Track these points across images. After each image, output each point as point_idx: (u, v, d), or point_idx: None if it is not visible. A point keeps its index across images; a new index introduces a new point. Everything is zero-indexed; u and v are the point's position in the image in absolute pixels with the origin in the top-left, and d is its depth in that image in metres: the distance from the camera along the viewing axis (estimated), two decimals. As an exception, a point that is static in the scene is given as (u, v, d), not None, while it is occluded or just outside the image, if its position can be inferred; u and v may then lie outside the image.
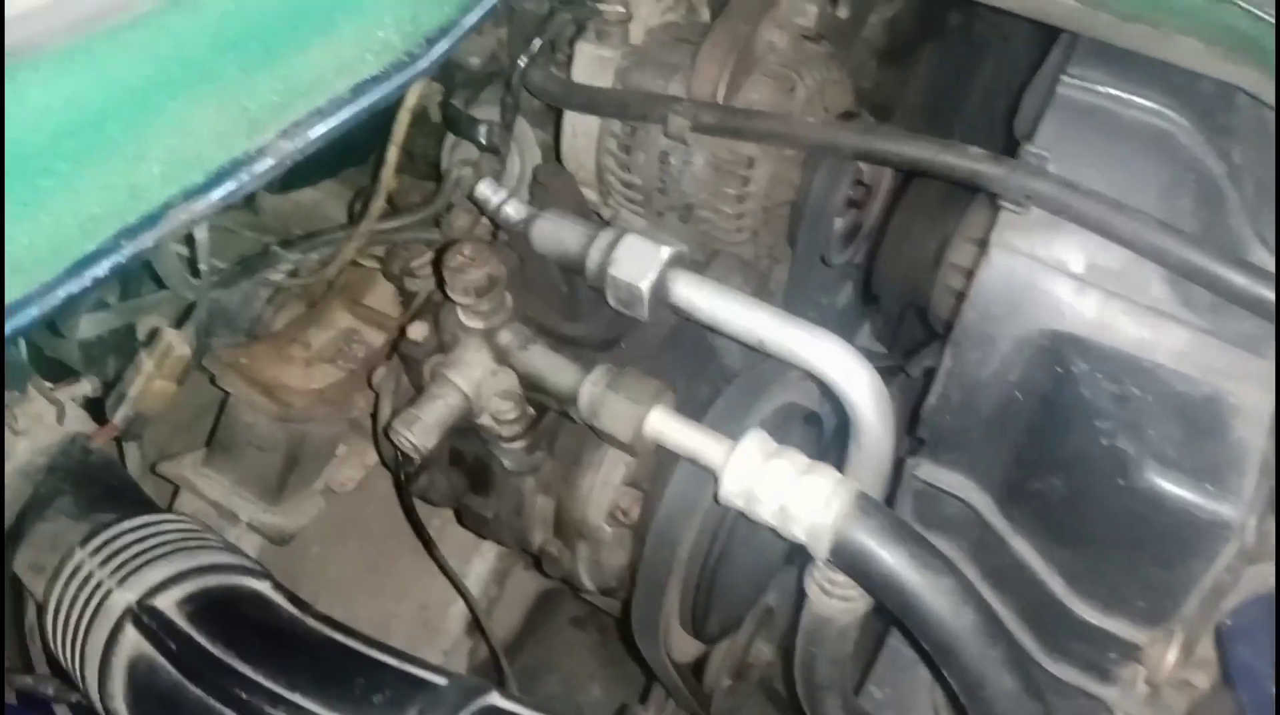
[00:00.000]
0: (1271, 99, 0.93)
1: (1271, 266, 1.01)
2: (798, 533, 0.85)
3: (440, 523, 1.38)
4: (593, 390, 0.94)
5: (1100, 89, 1.00)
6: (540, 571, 1.10)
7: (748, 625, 1.30)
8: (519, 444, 1.01)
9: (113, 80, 0.73)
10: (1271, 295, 0.88)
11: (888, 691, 1.26)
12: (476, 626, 1.29)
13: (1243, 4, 0.90)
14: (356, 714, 0.77)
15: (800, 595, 1.04)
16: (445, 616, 1.52)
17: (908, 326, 1.72)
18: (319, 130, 0.84)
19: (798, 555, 1.02)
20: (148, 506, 1.11)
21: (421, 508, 1.25)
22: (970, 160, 0.97)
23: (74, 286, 0.70)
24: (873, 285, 1.42)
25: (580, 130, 1.24)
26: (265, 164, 0.80)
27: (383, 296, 1.48)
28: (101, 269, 0.72)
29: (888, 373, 1.44)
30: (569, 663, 1.86)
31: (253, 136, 0.80)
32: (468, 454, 1.08)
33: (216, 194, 0.78)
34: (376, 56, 0.87)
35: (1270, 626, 0.76)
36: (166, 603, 0.92)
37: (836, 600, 0.99)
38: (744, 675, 1.33)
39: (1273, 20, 0.89)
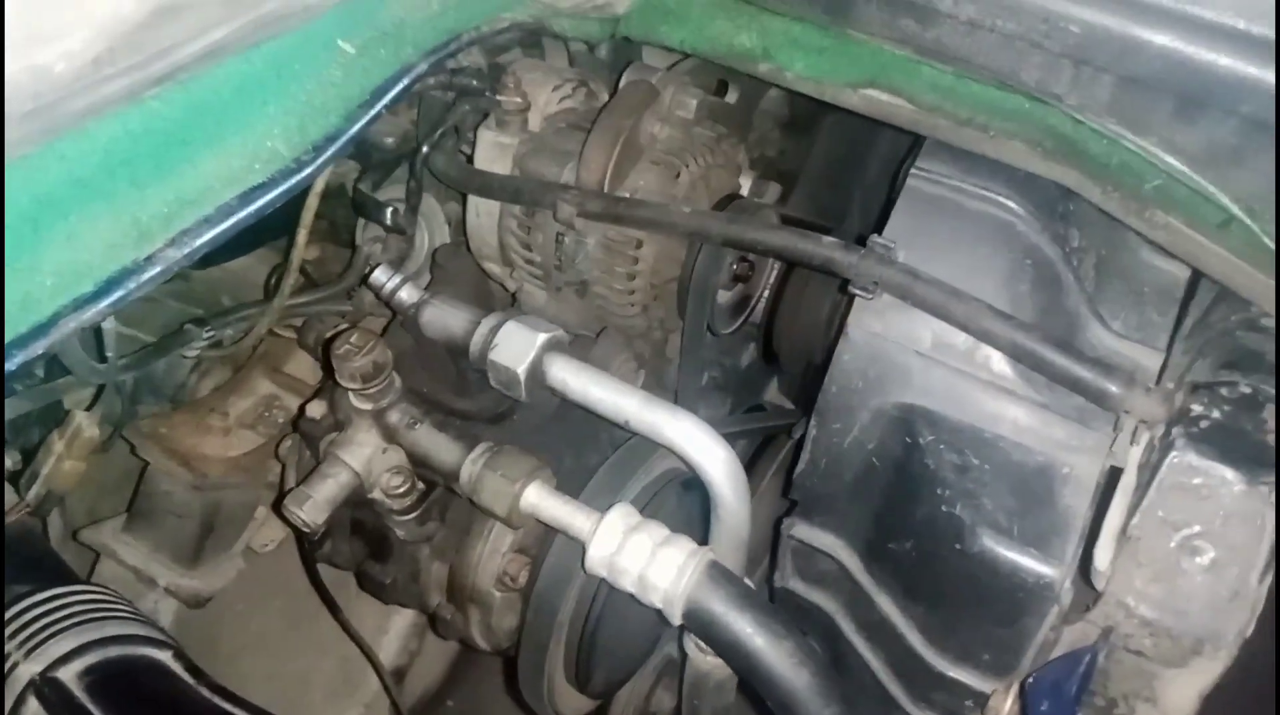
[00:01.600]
0: (1093, 197, 1.01)
1: (1108, 343, 1.10)
2: (655, 600, 0.92)
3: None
4: (472, 469, 1.01)
5: (946, 180, 1.09)
6: (436, 633, 1.16)
7: (648, 676, 1.36)
8: (411, 516, 1.08)
9: (7, 202, 0.79)
10: (1090, 376, 0.96)
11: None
12: (384, 689, 1.35)
13: (1064, 108, 0.98)
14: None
15: (683, 654, 1.11)
16: (366, 671, 1.57)
17: (813, 381, 1.81)
18: (206, 237, 0.90)
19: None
20: (64, 577, 1.16)
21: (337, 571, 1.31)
22: (825, 249, 1.05)
23: (-36, 393, 0.76)
24: (773, 346, 1.50)
25: (483, 211, 1.31)
26: (153, 271, 0.87)
27: (303, 364, 1.54)
28: (-9, 377, 0.78)
29: (783, 432, 1.53)
30: (498, 712, 1.92)
31: (141, 246, 0.87)
32: (367, 524, 1.14)
33: (105, 302, 0.84)
34: (264, 165, 0.94)
35: (1071, 682, 0.83)
36: (69, 674, 0.97)
37: (710, 657, 1.06)
38: (647, 725, 1.40)
39: (1091, 124, 0.98)
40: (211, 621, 1.53)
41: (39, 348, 0.81)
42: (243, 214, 0.92)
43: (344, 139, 0.99)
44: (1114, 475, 0.97)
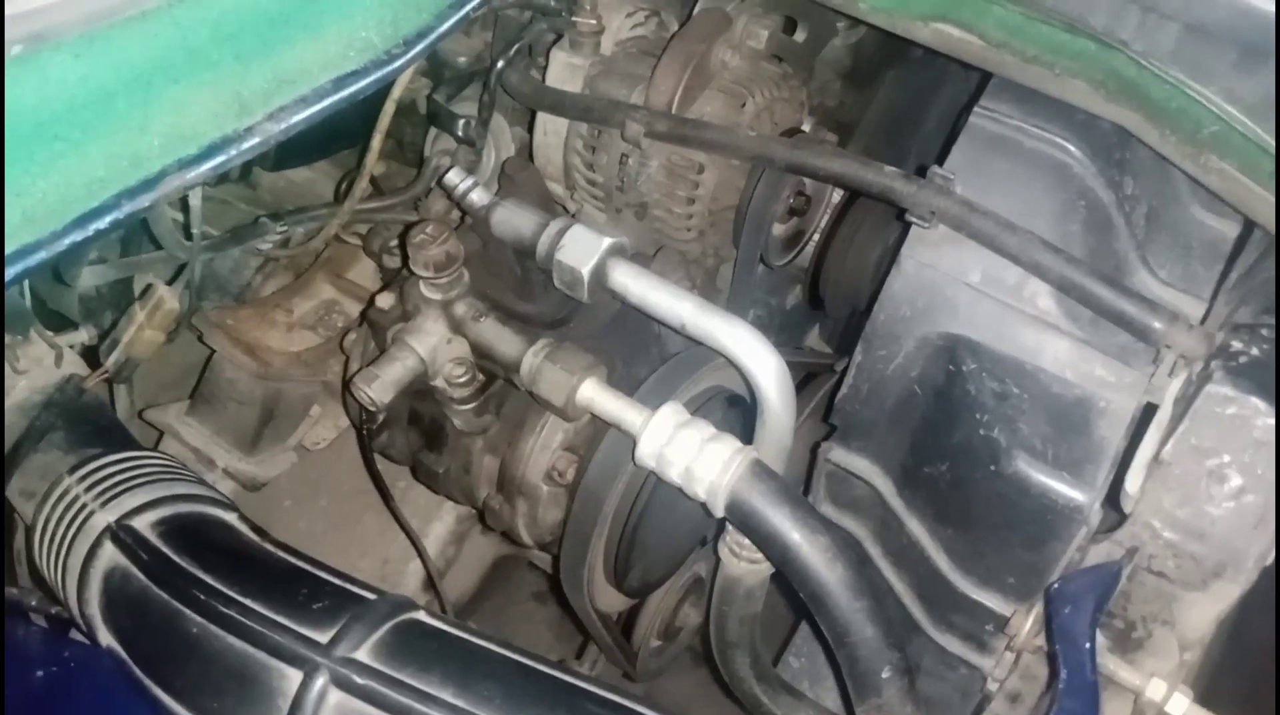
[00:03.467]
0: (1150, 140, 1.04)
1: (1153, 289, 1.13)
2: (699, 491, 0.96)
3: (405, 485, 1.50)
4: (533, 360, 1.06)
5: (1007, 120, 1.12)
6: (483, 524, 1.21)
7: (677, 590, 1.41)
8: (469, 406, 1.13)
9: (123, 63, 0.84)
10: (1135, 311, 0.99)
11: (803, 662, 1.37)
12: (430, 584, 1.40)
13: (1130, 52, 1.01)
14: (296, 615, 0.88)
15: (716, 559, 1.16)
16: (404, 573, 1.63)
17: (854, 329, 1.84)
18: (302, 115, 0.95)
19: (718, 525, 1.14)
20: (133, 444, 1.22)
21: (388, 470, 1.37)
22: (885, 178, 1.08)
23: (77, 236, 0.82)
24: (819, 289, 1.54)
25: (550, 130, 1.36)
26: (252, 142, 0.92)
27: (364, 272, 1.59)
28: (103, 223, 0.83)
29: (824, 372, 1.57)
30: (524, 631, 1.98)
31: (242, 118, 0.92)
32: (424, 415, 1.20)
33: (207, 165, 0.89)
34: (358, 54, 0.99)
35: (1093, 593, 0.87)
36: (142, 523, 1.03)
37: (744, 562, 1.11)
38: (672, 637, 1.45)
39: (1154, 69, 1.01)
40: (261, 515, 1.58)
41: (146, 201, 0.86)
42: (336, 97, 0.97)
43: (433, 36, 1.03)
44: (1149, 411, 1.01)
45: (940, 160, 1.13)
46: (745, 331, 1.00)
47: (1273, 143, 0.94)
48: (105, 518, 1.05)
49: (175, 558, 0.96)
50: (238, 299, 1.60)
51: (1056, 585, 0.90)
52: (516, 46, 1.31)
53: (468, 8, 1.05)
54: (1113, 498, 0.97)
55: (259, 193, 1.73)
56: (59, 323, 1.37)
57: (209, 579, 0.91)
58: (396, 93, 1.28)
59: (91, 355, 1.33)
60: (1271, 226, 0.98)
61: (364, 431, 1.20)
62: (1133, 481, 0.93)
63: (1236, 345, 0.93)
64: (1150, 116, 1.01)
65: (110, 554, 1.01)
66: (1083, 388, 1.05)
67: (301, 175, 1.78)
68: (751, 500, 0.94)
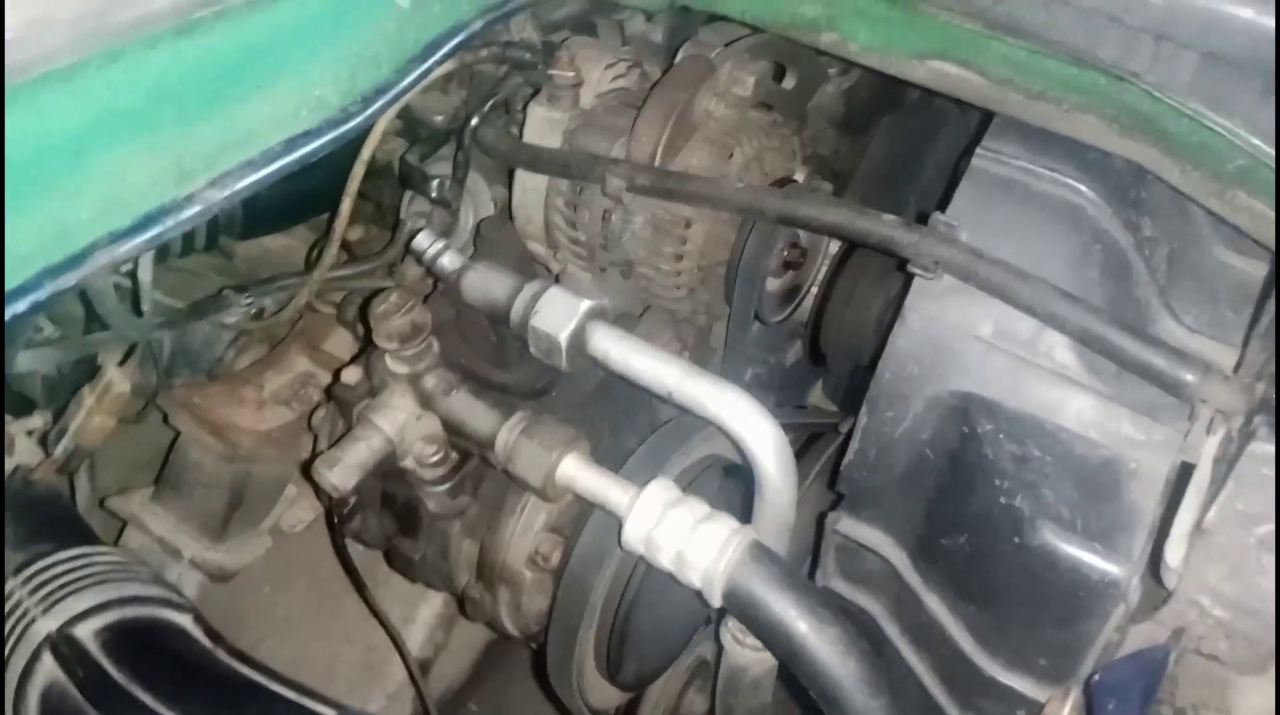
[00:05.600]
0: (1170, 177, 0.96)
1: (1180, 338, 1.04)
2: (693, 579, 0.87)
3: (387, 569, 1.41)
4: (508, 436, 0.97)
5: (1013, 161, 1.04)
6: (464, 614, 1.12)
7: (680, 676, 1.31)
8: (443, 487, 1.04)
9: (49, 127, 0.77)
10: (1164, 363, 0.91)
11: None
12: (410, 678, 1.31)
13: (1143, 85, 0.94)
14: (240, 741, 0.79)
15: (719, 646, 1.06)
16: (390, 661, 1.54)
17: (858, 384, 1.76)
18: (249, 180, 0.88)
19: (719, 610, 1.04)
20: (86, 538, 1.13)
21: (369, 553, 1.28)
22: (884, 227, 1.01)
23: (-11, 320, 0.74)
24: (820, 345, 1.46)
25: (529, 187, 1.29)
26: (192, 211, 0.84)
27: (342, 343, 1.52)
28: (22, 305, 0.75)
29: (829, 431, 1.48)
30: (528, 713, 1.87)
31: (182, 184, 0.85)
32: (398, 497, 1.11)
33: (142, 237, 0.82)
34: (312, 112, 0.92)
35: (1139, 684, 0.78)
36: (85, 631, 0.94)
37: (749, 650, 1.01)
38: (676, 727, 1.34)
39: (1170, 102, 0.93)
40: (237, 603, 1.50)
41: (70, 279, 0.78)
42: (287, 159, 0.90)
43: (394, 92, 0.97)
44: (1185, 472, 0.92)
45: (943, 206, 1.06)
46: (738, 397, 0.92)
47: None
48: (47, 625, 0.97)
49: (115, 675, 0.87)
50: (210, 374, 1.52)
51: (1099, 676, 0.81)
52: (491, 102, 1.25)
53: (430, 61, 0.98)
54: (1154, 568, 0.87)
55: (232, 262, 1.66)
56: (19, 405, 1.29)
57: (151, 701, 0.83)
58: (366, 153, 1.21)
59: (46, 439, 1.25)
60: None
61: (334, 517, 1.11)
62: (1174, 553, 0.84)
63: (1280, 398, 0.85)
64: (1169, 152, 0.93)
65: (49, 668, 0.93)
66: (1110, 448, 0.96)
67: (278, 243, 1.71)
68: (751, 588, 0.84)
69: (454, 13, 1.01)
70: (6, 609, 1.00)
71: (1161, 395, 0.94)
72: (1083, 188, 1.02)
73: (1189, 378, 0.89)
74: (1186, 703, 0.87)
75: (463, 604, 1.12)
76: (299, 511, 1.48)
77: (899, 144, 1.69)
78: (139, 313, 1.07)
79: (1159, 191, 1.03)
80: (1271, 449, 0.81)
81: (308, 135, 0.91)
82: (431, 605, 1.55)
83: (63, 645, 0.95)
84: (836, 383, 1.71)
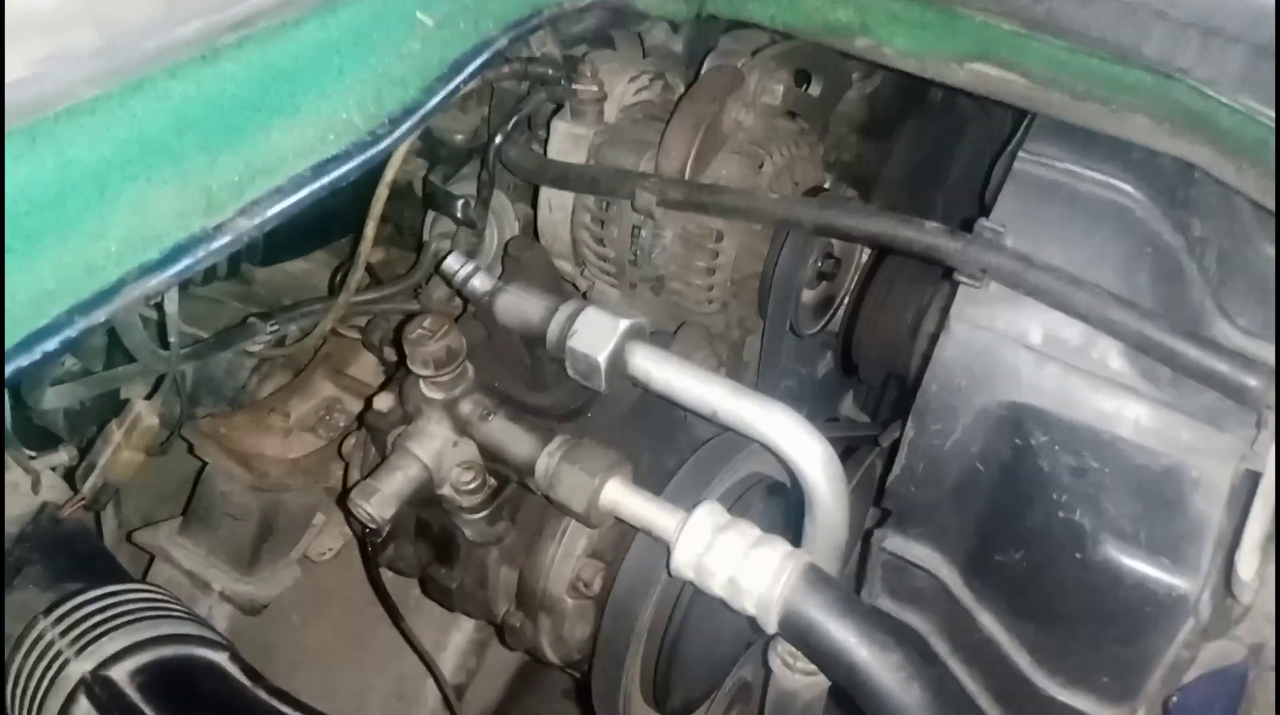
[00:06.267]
0: (1225, 175, 0.93)
1: (1236, 341, 1.01)
2: (747, 605, 0.84)
3: (419, 594, 1.38)
4: (549, 461, 0.95)
5: (1057, 164, 1.01)
6: (503, 643, 1.09)
7: (722, 701, 1.28)
8: (481, 515, 1.02)
9: (72, 162, 0.75)
10: (1227, 368, 0.87)
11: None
12: (445, 702, 1.28)
13: (1192, 81, 0.91)
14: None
15: (767, 670, 1.03)
16: (422, 690, 1.51)
17: (891, 395, 1.73)
18: (278, 208, 0.85)
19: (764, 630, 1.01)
20: (117, 575, 1.12)
21: (399, 579, 1.25)
22: (927, 235, 0.98)
23: (23, 361, 0.72)
24: (852, 355, 1.43)
25: (556, 205, 1.27)
26: (222, 241, 0.82)
27: (366, 367, 1.49)
28: (52, 344, 0.73)
29: (864, 444, 1.45)
30: (556, 738, 1.84)
31: (211, 215, 0.82)
32: (433, 525, 1.09)
33: (172, 270, 0.79)
34: (338, 137, 0.90)
35: (1218, 705, 0.75)
36: (120, 673, 0.92)
37: (799, 675, 0.98)
38: (720, 752, 1.31)
39: (1221, 99, 0.90)
40: (267, 634, 1.48)
41: (101, 315, 0.76)
42: (316, 186, 0.87)
43: (421, 112, 0.94)
44: (1251, 480, 0.88)
45: (984, 212, 1.03)
46: (786, 417, 0.89)
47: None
48: (81, 667, 0.95)
49: (152, 716, 0.84)
50: (234, 404, 1.50)
51: (1176, 697, 0.77)
52: (515, 119, 1.22)
53: (456, 80, 0.96)
54: (1228, 581, 0.84)
55: (253, 288, 1.64)
56: (43, 440, 1.27)
57: (189, 744, 0.80)
58: (389, 175, 1.18)
59: (73, 475, 1.23)
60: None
61: (367, 546, 1.09)
62: (1246, 566, 0.81)
63: (1350, 400, 0.81)
64: (1223, 150, 0.90)
65: (85, 711, 0.90)
66: (1170, 457, 0.92)
67: (299, 268, 1.69)
68: (809, 614, 0.81)
69: (479, 30, 0.99)
70: (39, 650, 0.98)
71: (1220, 401, 0.91)
72: (1130, 189, 0.99)
73: (1253, 382, 0.86)
74: (1264, 721, 0.84)
75: (502, 633, 1.09)
76: (327, 539, 1.46)
77: (923, 148, 1.66)
78: (165, 345, 1.04)
79: (1207, 190, 1.00)
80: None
81: (336, 160, 0.89)
82: (463, 631, 1.53)
83: (98, 687, 0.93)
84: (868, 393, 1.68)
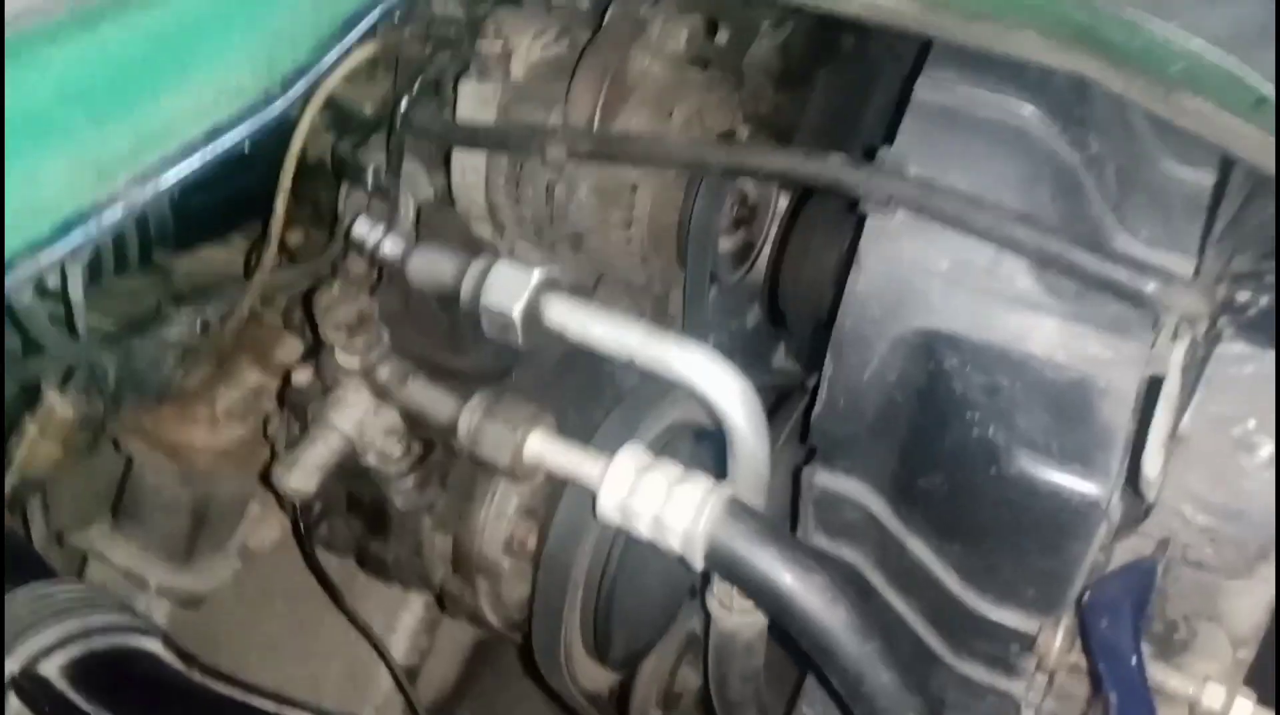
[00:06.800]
0: (1115, 86, 0.95)
1: (1138, 251, 1.03)
2: (673, 543, 0.85)
3: (365, 578, 1.37)
4: (470, 418, 0.95)
5: (955, 89, 1.02)
6: (444, 610, 1.09)
7: (671, 652, 1.29)
8: (408, 481, 1.01)
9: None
10: (1125, 276, 0.89)
11: (818, 709, 1.25)
12: (397, 685, 1.27)
13: (1076, -6, 0.93)
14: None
15: (706, 615, 1.04)
16: (375, 673, 1.50)
17: (822, 343, 1.74)
18: (172, 176, 0.84)
19: (703, 575, 1.02)
20: (44, 573, 1.09)
21: (344, 566, 1.24)
22: (830, 167, 0.99)
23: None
24: (779, 304, 1.44)
25: (469, 168, 1.26)
26: (114, 212, 0.81)
27: (292, 350, 1.47)
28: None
29: (795, 391, 1.46)
30: (525, 713, 1.83)
31: (102, 185, 0.81)
32: (364, 498, 1.08)
33: (64, 243, 0.78)
34: (230, 100, 0.88)
35: (1130, 597, 0.77)
36: (50, 669, 0.90)
37: (737, 614, 0.99)
38: (673, 705, 1.32)
39: (1106, 10, 0.92)
40: (212, 627, 1.46)
41: (-9, 292, 0.75)
42: (208, 150, 0.86)
43: (314, 73, 0.93)
44: (1154, 385, 0.91)
45: (888, 141, 1.04)
46: (701, 354, 0.90)
47: (1249, 73, 0.85)
48: (10, 667, 0.92)
49: (86, 708, 0.83)
50: (159, 398, 1.47)
51: (1088, 595, 0.79)
52: (419, 81, 1.21)
53: (349, 38, 0.95)
54: (1134, 482, 0.86)
55: (173, 280, 1.61)
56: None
57: (124, 727, 0.79)
58: (296, 146, 1.17)
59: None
60: (1257, 160, 0.89)
61: (300, 526, 1.08)
62: (1151, 465, 0.83)
63: (1242, 297, 0.84)
64: (1112, 62, 0.92)
65: (16, 710, 0.88)
66: (1078, 369, 0.94)
67: (218, 256, 1.65)
68: (733, 545, 0.82)
69: (371, -13, 0.98)
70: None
71: (1126, 311, 0.93)
72: (1026, 109, 1.00)
73: (1150, 287, 0.88)
74: (1178, 614, 0.86)
75: (442, 600, 1.09)
76: (266, 530, 1.44)
77: (838, 95, 1.67)
78: (74, 334, 1.02)
79: (1103, 108, 1.02)
80: (1242, 348, 0.80)
81: (228, 124, 0.88)
82: (413, 611, 1.52)
83: (29, 685, 0.90)
84: (799, 344, 1.70)
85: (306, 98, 0.94)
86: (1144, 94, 0.91)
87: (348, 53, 0.95)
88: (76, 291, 0.99)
